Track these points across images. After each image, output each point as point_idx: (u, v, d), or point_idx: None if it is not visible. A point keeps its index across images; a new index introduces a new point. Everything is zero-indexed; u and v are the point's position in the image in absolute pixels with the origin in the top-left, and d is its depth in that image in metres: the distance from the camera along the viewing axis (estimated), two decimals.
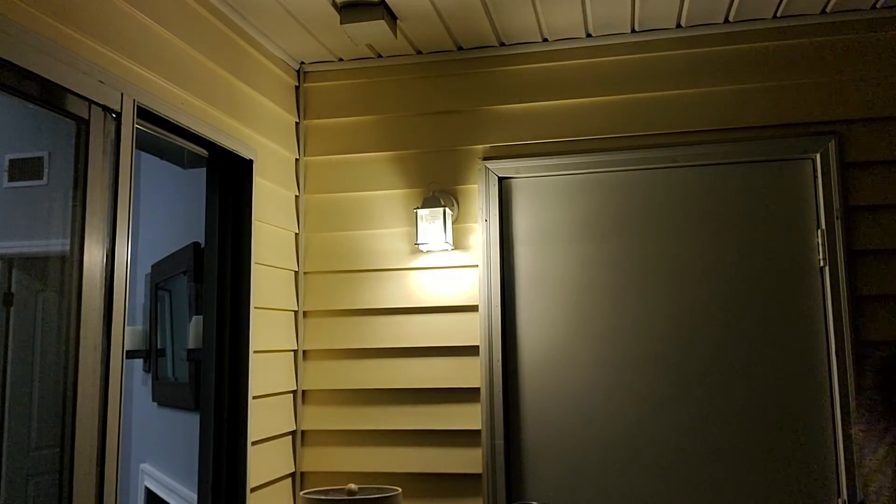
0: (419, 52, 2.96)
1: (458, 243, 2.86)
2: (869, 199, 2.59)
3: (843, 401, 2.52)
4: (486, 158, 2.87)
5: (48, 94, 1.76)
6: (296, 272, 2.95)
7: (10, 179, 1.95)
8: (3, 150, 1.99)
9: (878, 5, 2.62)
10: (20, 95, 1.70)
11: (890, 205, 2.58)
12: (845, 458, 2.50)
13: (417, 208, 2.80)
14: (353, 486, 2.54)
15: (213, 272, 2.56)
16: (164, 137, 2.28)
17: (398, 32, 2.74)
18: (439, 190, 2.89)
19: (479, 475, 2.73)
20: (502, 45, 2.89)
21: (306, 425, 2.89)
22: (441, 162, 2.92)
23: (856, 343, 2.54)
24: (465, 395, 2.78)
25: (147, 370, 3.85)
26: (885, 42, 2.65)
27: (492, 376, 2.74)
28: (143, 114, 2.09)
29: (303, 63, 3.05)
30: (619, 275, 2.75)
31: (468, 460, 2.74)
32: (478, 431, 2.75)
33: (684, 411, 2.65)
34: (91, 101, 1.87)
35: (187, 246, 3.05)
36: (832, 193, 2.60)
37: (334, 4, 2.54)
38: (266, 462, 2.64)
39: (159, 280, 3.55)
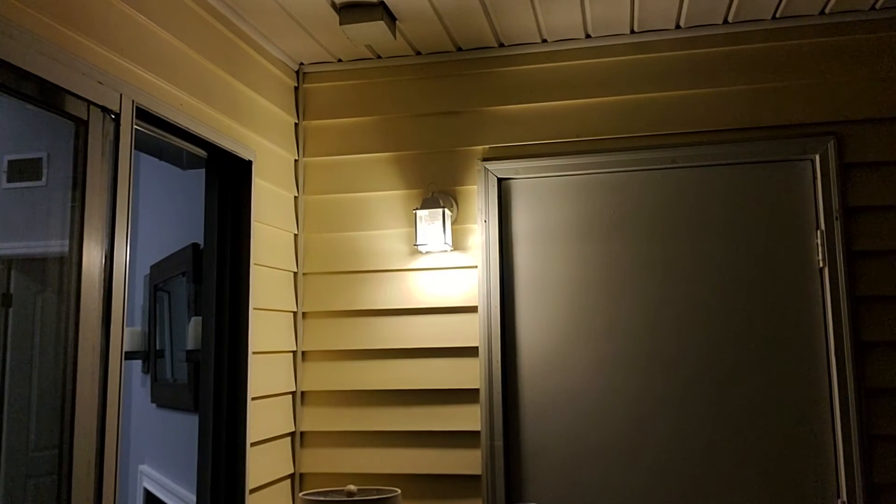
0: (418, 53, 2.96)
1: (457, 244, 2.86)
2: (868, 200, 2.59)
3: (842, 401, 2.52)
4: (485, 159, 2.87)
5: (47, 95, 1.76)
6: (295, 273, 2.95)
7: (9, 180, 1.94)
8: (1, 150, 1.98)
9: (877, 6, 2.62)
10: (19, 96, 1.70)
11: (889, 206, 2.58)
12: (845, 459, 2.50)
13: (417, 209, 2.80)
14: (352, 487, 2.54)
15: (212, 273, 2.56)
16: (163, 138, 2.28)
17: (397, 33, 2.74)
18: (438, 191, 2.89)
19: (478, 476, 2.72)
20: (501, 45, 2.89)
21: (305, 426, 2.89)
22: (440, 163, 2.92)
23: (855, 344, 2.54)
24: (464, 396, 2.77)
25: (146, 371, 3.84)
26: (885, 42, 2.65)
27: (491, 377, 2.74)
28: (142, 115, 2.09)
29: (302, 64, 3.04)
30: (618, 275, 2.75)
31: (467, 461, 2.74)
32: (477, 432, 2.74)
33: (684, 412, 2.65)
34: (90, 102, 1.87)
35: (186, 247, 3.04)
36: (831, 194, 2.60)
37: (333, 5, 2.54)
38: (265, 463, 2.64)
39: (158, 281, 3.54)
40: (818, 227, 2.63)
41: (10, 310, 1.82)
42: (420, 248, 2.83)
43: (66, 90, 1.78)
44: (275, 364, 2.75)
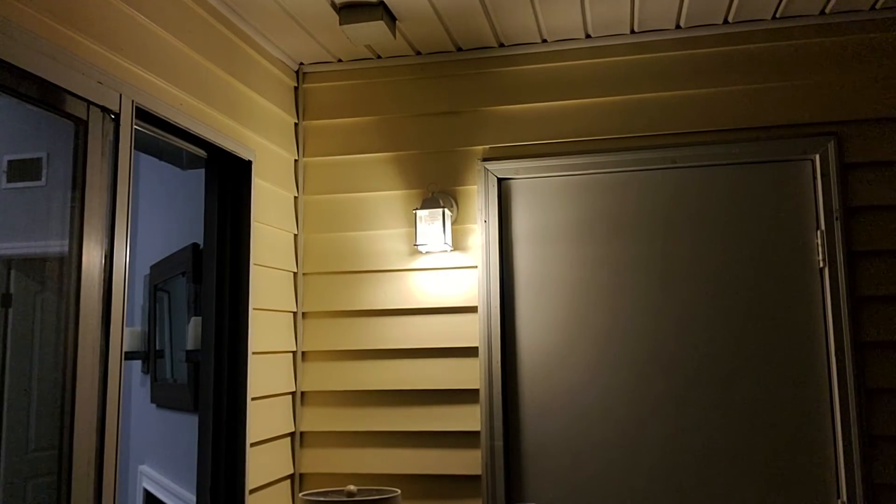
0: (418, 53, 2.96)
1: (457, 244, 2.86)
2: (868, 200, 2.59)
3: (842, 401, 2.52)
4: (485, 159, 2.86)
5: (47, 95, 1.76)
6: (295, 273, 2.95)
7: (9, 180, 1.94)
8: (1, 150, 1.98)
9: (877, 6, 2.62)
10: (19, 96, 1.70)
11: (889, 205, 2.58)
12: (845, 459, 2.50)
13: (417, 209, 2.80)
14: (352, 487, 2.54)
15: (211, 273, 2.56)
16: (163, 138, 2.28)
17: (397, 33, 2.74)
18: (438, 191, 2.89)
19: (478, 476, 2.72)
20: (502, 45, 2.89)
21: (305, 427, 2.89)
22: (440, 163, 2.92)
23: (855, 344, 2.54)
24: (464, 396, 2.77)
25: (146, 371, 3.84)
26: (885, 42, 2.65)
27: (491, 377, 2.74)
28: (142, 115, 2.09)
29: (302, 64, 3.04)
30: (618, 276, 2.75)
31: (467, 461, 2.74)
32: (477, 433, 2.74)
33: (684, 412, 2.65)
34: (90, 102, 1.87)
35: (186, 247, 3.04)
36: (832, 194, 2.60)
37: (333, 5, 2.54)
38: (265, 463, 2.64)
39: (158, 281, 3.54)
40: (818, 227, 2.63)
41: (10, 310, 1.82)
42: (420, 248, 2.82)
43: (66, 90, 1.78)
44: (275, 364, 2.75)
